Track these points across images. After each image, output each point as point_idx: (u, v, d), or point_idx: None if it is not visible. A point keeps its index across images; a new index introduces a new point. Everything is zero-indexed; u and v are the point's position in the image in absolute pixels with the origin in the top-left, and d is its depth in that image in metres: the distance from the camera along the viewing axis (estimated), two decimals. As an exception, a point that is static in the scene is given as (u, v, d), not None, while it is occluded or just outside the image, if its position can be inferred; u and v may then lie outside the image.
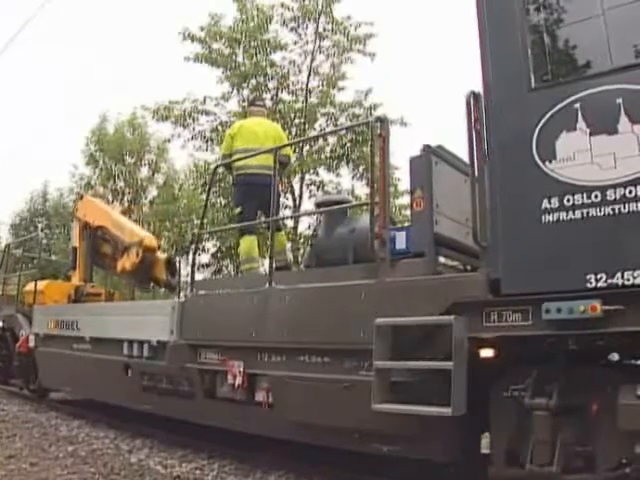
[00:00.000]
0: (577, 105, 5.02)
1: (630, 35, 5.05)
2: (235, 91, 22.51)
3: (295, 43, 22.48)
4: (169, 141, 24.19)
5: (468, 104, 5.53)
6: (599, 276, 4.73)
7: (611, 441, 4.92)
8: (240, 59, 22.17)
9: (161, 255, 12.57)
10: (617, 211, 4.72)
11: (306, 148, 21.45)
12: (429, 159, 6.16)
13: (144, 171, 34.40)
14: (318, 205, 9.87)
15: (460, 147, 5.91)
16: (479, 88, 5.63)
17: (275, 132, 9.82)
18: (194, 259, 10.88)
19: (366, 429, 6.05)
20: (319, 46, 22.37)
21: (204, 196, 15.07)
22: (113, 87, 60.04)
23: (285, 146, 9.40)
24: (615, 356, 5.62)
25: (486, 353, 5.55)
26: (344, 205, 8.25)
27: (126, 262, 11.99)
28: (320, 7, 21.93)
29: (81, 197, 15.58)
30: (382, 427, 5.84)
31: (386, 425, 5.76)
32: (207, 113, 22.57)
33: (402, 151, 8.01)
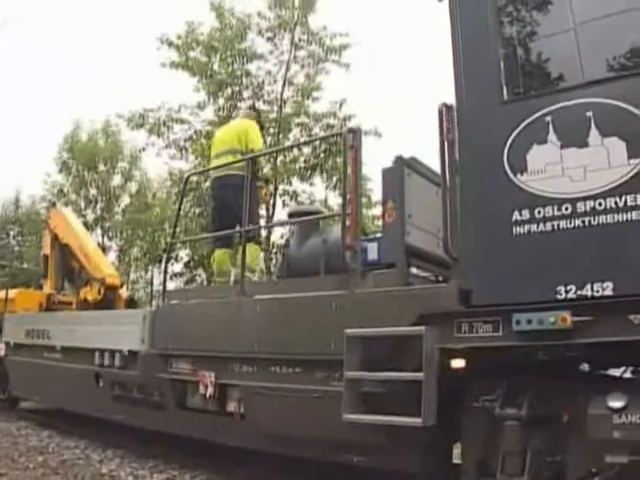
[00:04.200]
0: (548, 118, 5.08)
1: (600, 49, 5.11)
2: (211, 100, 22.45)
3: (271, 53, 22.60)
4: (143, 149, 24.07)
5: (440, 115, 5.57)
6: (569, 288, 4.77)
7: (581, 451, 4.94)
8: (216, 67, 22.19)
9: (124, 293, 12.55)
10: (587, 223, 4.78)
11: (280, 158, 21.44)
12: (401, 170, 6.20)
13: (117, 179, 34.36)
14: (291, 215, 9.90)
15: (434, 158, 5.94)
16: (452, 99, 5.67)
17: (235, 131, 9.51)
18: (166, 268, 10.87)
19: (337, 439, 6.03)
20: (294, 56, 22.50)
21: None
22: (89, 93, 59.55)
23: (262, 155, 9.26)
24: (585, 367, 5.65)
25: (457, 364, 5.56)
26: (316, 216, 8.28)
27: (88, 294, 12.00)
28: (296, 17, 22.04)
29: (53, 204, 15.49)
30: (353, 437, 5.83)
31: (357, 435, 5.75)
32: (182, 122, 22.51)
33: (376, 162, 8.04)
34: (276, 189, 21.58)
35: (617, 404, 4.72)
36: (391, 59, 57.40)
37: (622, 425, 4.65)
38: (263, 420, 6.70)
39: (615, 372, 5.58)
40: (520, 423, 5.10)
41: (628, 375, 5.48)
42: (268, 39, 22.47)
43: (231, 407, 7.19)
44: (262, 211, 21.19)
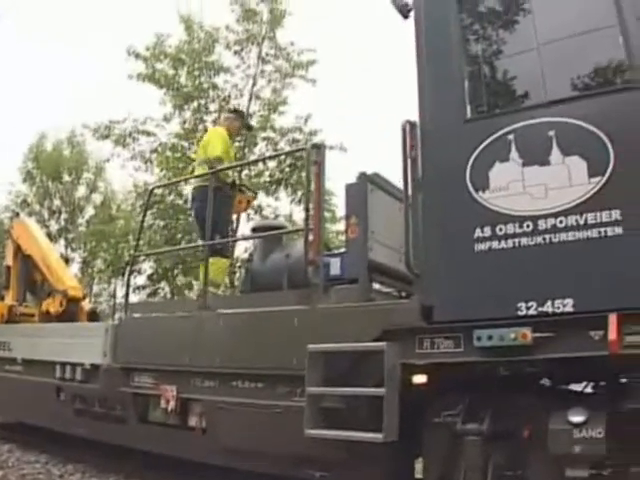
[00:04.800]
0: (511, 136, 5.15)
1: (563, 69, 5.21)
2: (177, 112, 22.37)
3: (238, 67, 22.57)
4: (108, 160, 23.95)
5: (403, 133, 5.62)
6: (530, 304, 4.83)
7: (542, 466, 4.98)
8: (183, 80, 22.08)
9: (86, 305, 12.42)
10: (548, 241, 4.85)
11: (245, 172, 21.36)
12: (365, 186, 6.24)
13: (82, 190, 34.12)
14: (254, 230, 9.86)
15: (399, 174, 5.96)
16: (416, 117, 5.71)
17: (204, 141, 9.43)
18: (128, 281, 10.75)
19: (299, 455, 6.01)
20: (261, 70, 22.53)
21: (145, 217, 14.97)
22: (89, 94, 59.01)
23: (227, 168, 9.16)
24: (546, 382, 5.69)
25: (419, 379, 5.58)
26: (280, 231, 8.28)
27: (50, 306, 11.83)
28: (264, 32, 22.09)
29: (17, 214, 15.31)
30: (315, 453, 5.81)
31: (319, 451, 5.74)
32: (148, 134, 22.36)
33: (341, 177, 8.08)
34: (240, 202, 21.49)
35: (577, 419, 4.78)
36: (357, 75, 57.60)
37: (582, 440, 4.71)
38: (224, 435, 6.66)
39: (576, 387, 5.63)
40: (481, 438, 5.12)
41: (589, 390, 5.52)
42: (235, 52, 22.46)
43: (193, 422, 7.14)
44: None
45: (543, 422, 4.93)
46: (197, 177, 8.75)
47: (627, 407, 4.78)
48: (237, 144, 20.78)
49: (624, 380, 5.12)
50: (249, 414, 6.43)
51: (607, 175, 4.75)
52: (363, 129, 49.33)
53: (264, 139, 22.06)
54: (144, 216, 11.67)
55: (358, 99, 56.03)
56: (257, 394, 6.43)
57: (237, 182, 8.77)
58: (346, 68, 51.34)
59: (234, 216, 9.14)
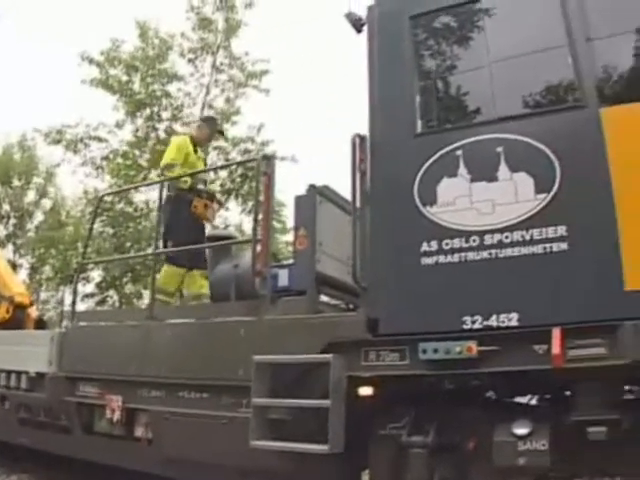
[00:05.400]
0: (459, 152, 5.23)
1: (513, 87, 5.32)
2: (129, 119, 22.23)
3: (191, 75, 22.58)
4: (59, 166, 23.72)
5: (353, 146, 5.65)
6: (475, 318, 4.89)
7: (487, 478, 5.02)
8: (136, 87, 21.95)
9: (33, 312, 12.24)
10: (494, 255, 4.94)
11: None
12: (314, 199, 6.25)
13: (31, 195, 33.69)
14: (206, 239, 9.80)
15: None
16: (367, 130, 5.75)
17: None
18: (75, 289, 10.62)
19: (245, 466, 5.97)
20: (215, 80, 22.57)
21: (94, 225, 14.80)
22: (55, 102, 58.16)
23: (176, 178, 9.06)
24: (491, 395, 5.74)
25: (365, 391, 5.58)
26: (228, 241, 8.23)
27: None
28: (219, 41, 22.05)
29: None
30: (261, 464, 5.77)
31: (265, 462, 5.70)
32: (100, 140, 22.16)
33: (293, 188, 8.08)
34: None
35: (522, 431, 4.84)
36: (312, 87, 57.75)
37: (527, 452, 4.77)
38: (170, 446, 6.59)
39: (521, 400, 5.68)
40: (426, 451, 5.14)
41: (534, 403, 5.58)
42: (189, 61, 22.46)
43: (139, 432, 7.03)
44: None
45: (488, 434, 4.97)
46: (145, 185, 8.69)
47: (571, 420, 4.83)
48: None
49: (568, 393, 5.16)
50: (195, 425, 6.38)
51: (553, 192, 4.85)
52: (317, 140, 49.44)
53: (215, 148, 21.92)
54: (93, 223, 11.50)
55: (312, 110, 56.10)
56: (203, 405, 6.37)
57: (197, 187, 8.56)
58: (301, 79, 51.53)
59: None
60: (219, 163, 21.67)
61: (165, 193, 8.25)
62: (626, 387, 5.42)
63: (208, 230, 9.19)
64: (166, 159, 8.83)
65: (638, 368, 4.52)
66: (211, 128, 9.56)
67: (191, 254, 8.30)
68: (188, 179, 8.26)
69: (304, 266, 6.18)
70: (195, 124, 10.32)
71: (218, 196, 9.27)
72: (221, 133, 10.32)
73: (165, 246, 8.00)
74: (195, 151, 8.94)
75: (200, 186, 8.54)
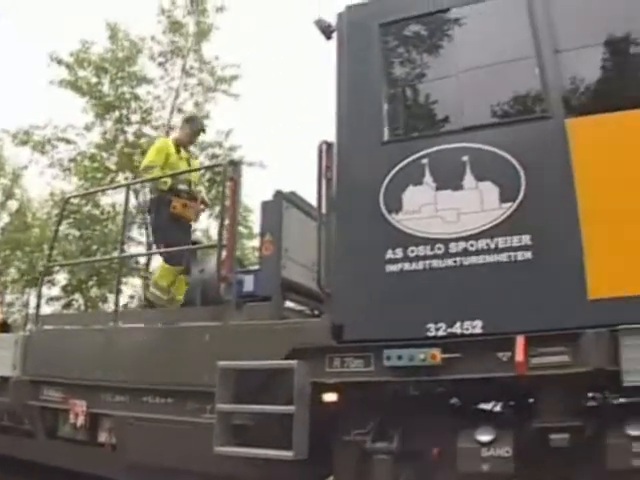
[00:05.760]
0: (425, 160, 5.27)
1: (480, 97, 5.38)
2: (98, 122, 22.02)
3: (161, 78, 22.42)
4: (26, 167, 23.49)
5: (320, 152, 5.67)
6: (439, 325, 4.92)
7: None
8: (105, 89, 21.78)
9: None
10: (458, 263, 4.98)
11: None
12: (280, 204, 6.26)
13: (-4, 196, 33.34)
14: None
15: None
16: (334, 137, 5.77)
17: None
18: (40, 292, 10.52)
19: (209, 472, 5.93)
20: (185, 83, 22.47)
21: (60, 227, 14.66)
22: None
23: (144, 181, 9.00)
24: (456, 401, 5.76)
25: (329, 398, 5.58)
26: (194, 246, 8.19)
27: None
28: (190, 44, 21.99)
29: None
30: (226, 470, 5.75)
31: (230, 468, 5.69)
32: (68, 142, 21.96)
33: (261, 193, 8.05)
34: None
35: (485, 438, 4.87)
36: (282, 91, 57.73)
37: (490, 458, 4.80)
38: (134, 451, 6.54)
39: (485, 407, 5.71)
40: (391, 457, 5.17)
41: (498, 410, 5.61)
42: (160, 64, 22.33)
43: (102, 437, 6.97)
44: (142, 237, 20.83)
45: (452, 441, 4.99)
46: (112, 188, 8.64)
47: (534, 426, 4.87)
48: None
49: (532, 400, 5.19)
50: (159, 430, 6.34)
51: (518, 201, 4.91)
52: (286, 146, 49.47)
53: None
54: (59, 225, 11.39)
55: (283, 115, 56.08)
56: (167, 410, 6.33)
57: (177, 188, 8.42)
58: (272, 84, 51.47)
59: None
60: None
61: (149, 196, 8.20)
62: (589, 394, 5.48)
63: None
64: (145, 162, 8.80)
65: (601, 376, 4.59)
66: (192, 128, 9.37)
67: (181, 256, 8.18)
68: (168, 180, 8.18)
69: (269, 272, 6.19)
70: (179, 126, 10.21)
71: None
72: (204, 132, 10.18)
73: (157, 247, 7.89)
74: (178, 152, 8.80)
75: (181, 186, 8.41)
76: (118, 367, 6.74)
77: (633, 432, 4.61)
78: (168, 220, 8.23)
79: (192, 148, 21.03)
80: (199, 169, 8.05)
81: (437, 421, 5.28)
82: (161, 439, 6.32)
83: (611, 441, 4.67)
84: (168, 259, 8.21)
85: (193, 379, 6.03)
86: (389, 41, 5.94)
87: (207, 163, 21.20)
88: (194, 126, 9.32)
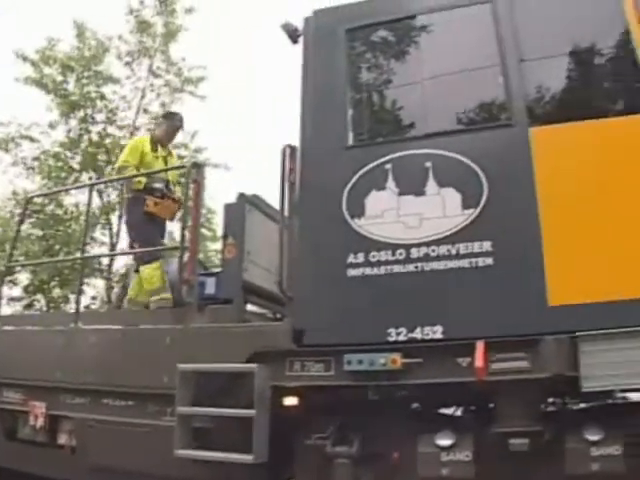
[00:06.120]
0: (389, 166, 5.30)
1: (444, 104, 5.43)
2: (63, 120, 21.86)
3: (127, 78, 22.34)
4: (-12, 166, 23.20)
5: (283, 156, 5.66)
6: (400, 330, 4.93)
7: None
8: (71, 87, 21.64)
9: None
10: (419, 269, 5.00)
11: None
12: (243, 207, 6.24)
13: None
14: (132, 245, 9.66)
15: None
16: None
17: None
18: (0, 292, 10.38)
19: (170, 475, 5.88)
20: (151, 84, 22.42)
21: (22, 226, 14.49)
22: None
23: (107, 181, 8.90)
24: (416, 406, 5.78)
25: (290, 401, 5.58)
26: (156, 248, 8.10)
27: None
28: (157, 45, 21.91)
29: None
30: (187, 473, 5.71)
31: (191, 471, 5.66)
32: (32, 140, 21.73)
33: (226, 195, 8.00)
34: (121, 216, 21.11)
35: (445, 442, 4.92)
36: (246, 95, 57.65)
37: (450, 462, 4.86)
38: (94, 454, 6.46)
39: (446, 411, 5.74)
40: (351, 461, 5.17)
41: (458, 414, 5.64)
42: (126, 64, 22.26)
43: (62, 439, 6.88)
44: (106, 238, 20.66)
45: (412, 445, 5.02)
46: (76, 188, 8.54)
47: (494, 431, 4.91)
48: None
49: (492, 405, 5.23)
50: (119, 433, 6.29)
51: (480, 208, 4.96)
52: (252, 148, 49.35)
53: (148, 153, 21.44)
54: (20, 224, 11.28)
55: (249, 118, 55.93)
56: (128, 412, 6.28)
57: (152, 186, 8.23)
58: (239, 86, 51.37)
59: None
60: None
61: (125, 195, 8.07)
62: (549, 400, 5.53)
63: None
64: (118, 162, 8.65)
65: (560, 381, 4.65)
66: (170, 124, 9.11)
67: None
68: (142, 179, 8.05)
69: (231, 275, 6.17)
70: (155, 122, 10.00)
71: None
72: (183, 129, 9.82)
73: (132, 248, 7.78)
74: (154, 150, 8.59)
75: (157, 185, 8.22)
76: (78, 369, 6.66)
77: (591, 437, 4.69)
78: (142, 219, 8.12)
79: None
80: (162, 170, 7.89)
81: (398, 425, 5.30)
82: (121, 442, 6.27)
83: (570, 446, 4.75)
84: (148, 257, 8.00)
85: (154, 381, 5.98)
86: (355, 46, 5.97)
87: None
88: (172, 123, 9.10)
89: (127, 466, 6.21)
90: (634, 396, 5.37)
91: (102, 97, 21.68)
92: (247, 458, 5.16)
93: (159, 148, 8.65)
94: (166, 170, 7.81)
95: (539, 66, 5.20)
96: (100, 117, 21.86)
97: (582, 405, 5.50)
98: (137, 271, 8.14)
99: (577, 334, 4.55)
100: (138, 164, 8.33)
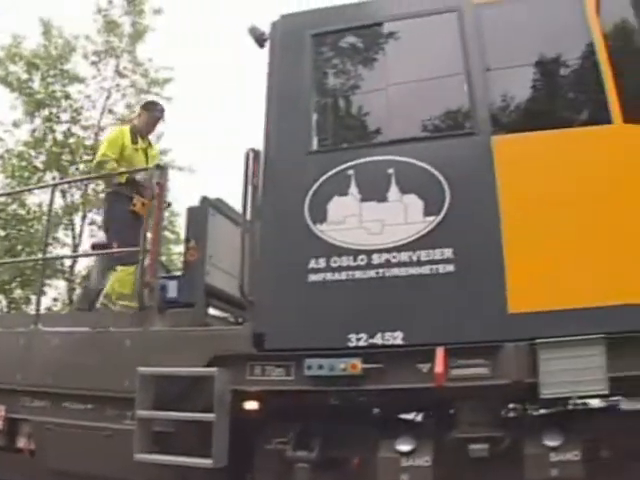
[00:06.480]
0: (351, 171, 5.32)
1: (408, 111, 5.49)
2: (27, 119, 21.64)
3: (93, 78, 22.16)
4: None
5: (246, 160, 5.64)
6: (360, 336, 4.94)
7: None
8: (36, 86, 21.43)
9: None
10: (381, 275, 5.03)
11: (91, 186, 20.63)
12: (206, 211, 6.23)
13: None
14: (93, 247, 9.56)
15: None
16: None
17: None
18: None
19: (130, 479, 5.87)
20: (117, 84, 22.24)
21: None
22: None
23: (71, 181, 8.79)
24: (377, 411, 5.80)
25: (250, 406, 5.57)
26: (117, 249, 8.00)
27: None
28: (124, 45, 21.80)
29: None
30: (147, 477, 5.68)
31: (151, 475, 5.61)
32: (-5, 138, 21.49)
33: (190, 198, 7.98)
34: (84, 217, 21.18)
35: (405, 447, 4.94)
36: (213, 97, 57.46)
37: (410, 468, 4.87)
38: (54, 457, 6.38)
39: (406, 417, 5.76)
40: (311, 466, 5.18)
41: (419, 420, 5.67)
42: (92, 63, 22.08)
43: (21, 443, 6.80)
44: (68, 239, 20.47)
45: (373, 450, 5.04)
46: (39, 188, 8.41)
47: (454, 436, 4.96)
48: (86, 157, 20.28)
49: (452, 411, 5.26)
50: (79, 436, 6.23)
51: (442, 215, 5.00)
52: (217, 150, 49.22)
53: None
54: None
55: (214, 121, 55.74)
56: (87, 416, 6.20)
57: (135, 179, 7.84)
58: (206, 88, 51.21)
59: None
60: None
61: (105, 190, 7.82)
62: (509, 406, 5.59)
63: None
64: (98, 156, 8.23)
65: (519, 388, 4.70)
66: (150, 115, 8.60)
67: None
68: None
69: (193, 278, 6.16)
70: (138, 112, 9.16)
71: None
72: (164, 120, 9.26)
73: (110, 247, 7.54)
74: (135, 142, 8.19)
75: (139, 177, 7.81)
76: (38, 371, 6.59)
77: (551, 443, 4.75)
78: (125, 217, 7.68)
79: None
80: (125, 172, 7.69)
81: (358, 431, 5.33)
82: (81, 445, 6.20)
83: (529, 451, 4.80)
84: (126, 258, 7.46)
85: (114, 385, 5.92)
86: (321, 52, 6.00)
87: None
88: (153, 114, 8.62)
89: (87, 470, 6.15)
90: (594, 402, 5.44)
91: (67, 96, 21.51)
92: (207, 462, 5.13)
93: (139, 140, 8.28)
94: (128, 172, 7.60)
95: (504, 76, 5.27)
96: (65, 116, 21.69)
97: (542, 411, 5.55)
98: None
99: (536, 341, 4.60)
100: (119, 157, 7.97)
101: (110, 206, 7.85)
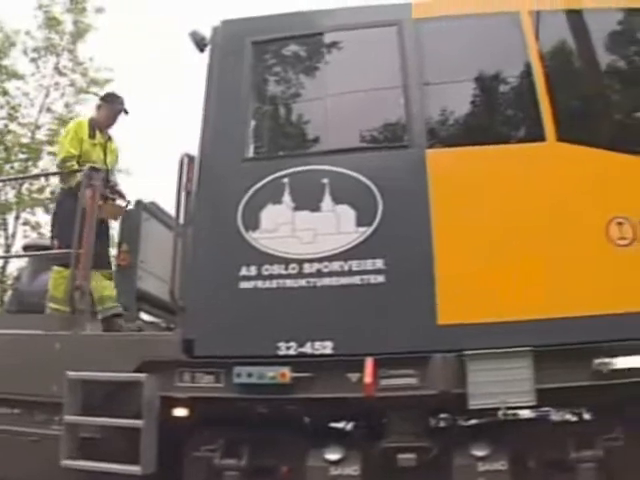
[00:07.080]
0: (286, 180, 5.32)
1: (345, 122, 5.53)
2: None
3: (32, 75, 21.79)
4: None
5: (181, 165, 5.60)
6: (290, 344, 4.96)
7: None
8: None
9: None
10: (312, 284, 5.05)
11: (26, 186, 20.50)
12: (139, 215, 6.17)
13: None
14: (25, 248, 9.39)
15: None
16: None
17: None
18: None
19: (59, 485, 5.79)
20: (56, 82, 21.90)
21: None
22: None
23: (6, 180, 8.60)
24: (306, 420, 5.81)
25: (179, 412, 5.52)
26: (49, 251, 7.84)
27: None
28: (65, 42, 21.50)
29: None
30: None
31: (80, 482, 5.55)
32: None
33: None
34: (18, 217, 20.81)
35: (334, 456, 4.97)
36: (152, 98, 57.00)
37: (338, 477, 4.92)
38: (-22, 462, 6.31)
39: (336, 426, 5.78)
40: (239, 474, 5.17)
41: (348, 429, 5.69)
42: (32, 60, 21.72)
43: (-53, 448, 6.69)
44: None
45: (302, 459, 5.06)
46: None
47: (383, 446, 5.01)
48: (20, 155, 19.98)
49: (382, 421, 5.30)
50: (4, 441, 6.11)
51: (374, 226, 5.05)
52: (157, 154, 48.90)
53: (50, 154, 20.93)
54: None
55: (153, 122, 55.32)
56: (13, 420, 6.07)
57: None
58: (147, 89, 50.76)
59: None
60: (52, 169, 20.65)
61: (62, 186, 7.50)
62: (438, 416, 5.64)
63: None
64: (62, 153, 7.65)
65: (448, 398, 4.76)
66: (111, 108, 8.00)
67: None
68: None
69: (125, 283, 6.09)
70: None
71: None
72: (126, 112, 8.79)
73: (51, 243, 7.26)
74: (92, 136, 7.65)
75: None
76: (-35, 374, 6.49)
77: (478, 452, 4.83)
78: (72, 216, 6.67)
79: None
80: (61, 172, 7.49)
81: (287, 439, 5.35)
82: (7, 451, 6.10)
83: (457, 461, 4.88)
84: (61, 259, 7.01)
85: (42, 389, 5.79)
86: (261, 59, 6.00)
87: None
88: (114, 106, 7.98)
89: (12, 476, 6.04)
90: (524, 413, 5.52)
91: (5, 92, 21.07)
92: (135, 469, 5.07)
93: (97, 134, 7.73)
94: (65, 173, 7.37)
95: (441, 90, 5.35)
96: (1, 113, 21.26)
97: (470, 422, 5.62)
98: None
99: (465, 353, 4.67)
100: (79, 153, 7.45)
101: (61, 202, 7.60)
